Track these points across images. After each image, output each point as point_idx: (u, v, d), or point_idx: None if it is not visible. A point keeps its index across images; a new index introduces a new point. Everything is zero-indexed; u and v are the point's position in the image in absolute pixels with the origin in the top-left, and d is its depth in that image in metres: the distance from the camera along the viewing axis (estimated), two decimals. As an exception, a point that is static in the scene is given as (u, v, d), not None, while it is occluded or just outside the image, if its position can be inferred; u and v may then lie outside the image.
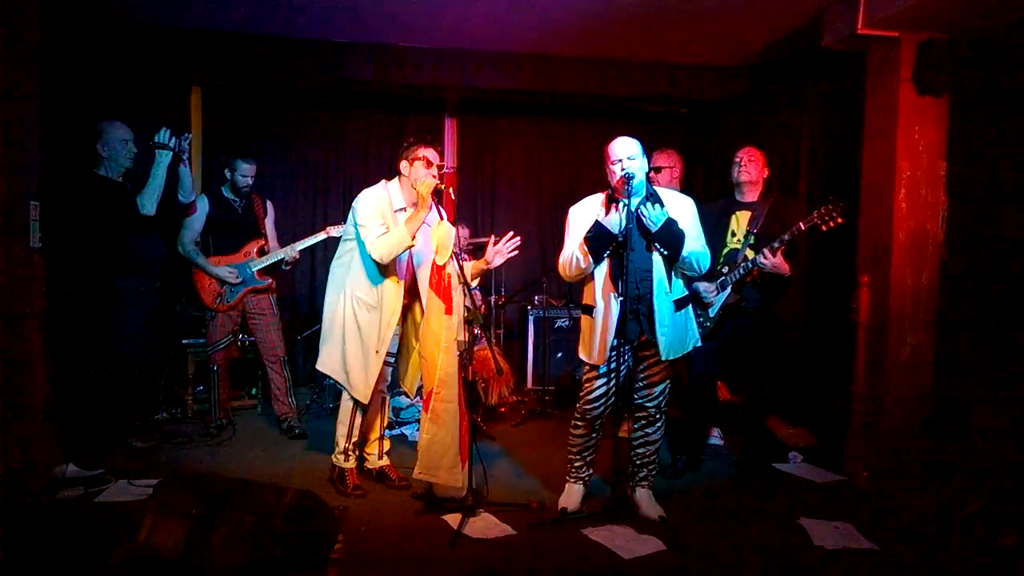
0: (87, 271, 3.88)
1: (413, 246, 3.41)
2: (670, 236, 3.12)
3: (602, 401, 3.30)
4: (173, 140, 4.03)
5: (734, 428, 4.47)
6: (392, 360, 3.70)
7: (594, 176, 4.25)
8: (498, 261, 3.47)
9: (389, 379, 3.76)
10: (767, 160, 4.04)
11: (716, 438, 4.51)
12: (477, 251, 5.15)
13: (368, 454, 3.78)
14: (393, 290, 3.50)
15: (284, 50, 4.81)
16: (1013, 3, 3.30)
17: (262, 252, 4.68)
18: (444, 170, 3.58)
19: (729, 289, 3.89)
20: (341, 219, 4.43)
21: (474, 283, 3.70)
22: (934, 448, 3.76)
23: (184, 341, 4.90)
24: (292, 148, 6.04)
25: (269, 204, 4.84)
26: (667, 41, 4.76)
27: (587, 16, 4.29)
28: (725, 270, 3.89)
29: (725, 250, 3.95)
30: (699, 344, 3.40)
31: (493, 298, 5.70)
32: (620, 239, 3.12)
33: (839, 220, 3.64)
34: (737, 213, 3.98)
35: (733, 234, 3.96)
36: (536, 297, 5.90)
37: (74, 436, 3.76)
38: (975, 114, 3.76)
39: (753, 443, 4.13)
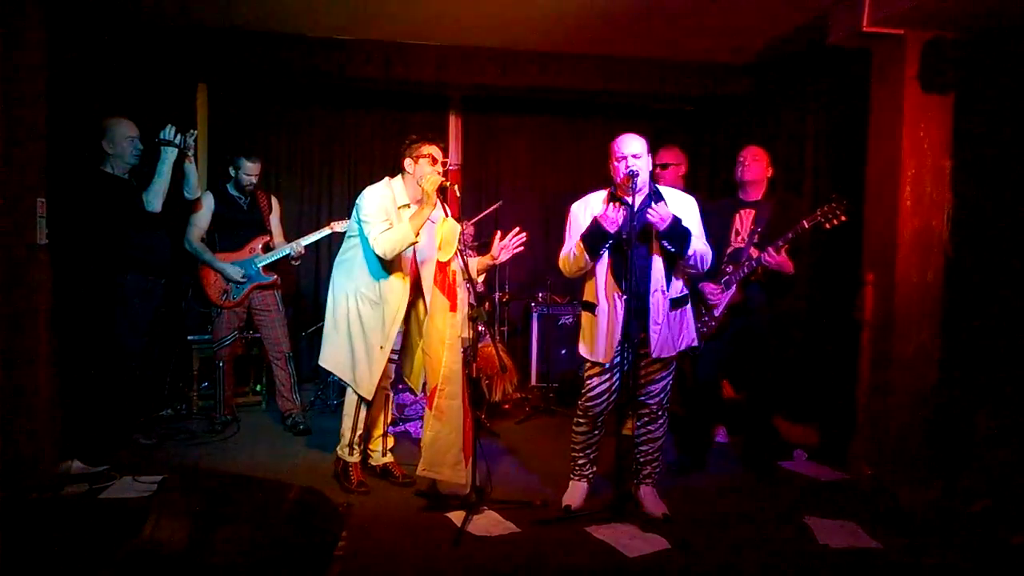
0: (93, 268, 3.90)
1: (417, 243, 3.41)
2: (677, 233, 3.12)
3: (604, 398, 3.30)
4: (179, 137, 4.03)
5: (739, 426, 4.47)
6: (396, 357, 3.71)
7: (597, 173, 4.23)
8: (504, 256, 3.47)
9: (393, 375, 3.77)
10: (771, 159, 4.03)
11: (721, 437, 4.51)
12: (482, 248, 5.14)
13: (372, 451, 3.79)
14: (398, 286, 3.51)
15: (289, 47, 4.82)
16: (1019, 0, 3.28)
17: (267, 248, 4.69)
18: (449, 167, 3.57)
19: (733, 288, 3.88)
20: (345, 215, 4.45)
21: (480, 279, 3.70)
22: (939, 446, 3.76)
23: (189, 337, 4.90)
24: (297, 144, 6.04)
25: (275, 199, 4.85)
26: (671, 39, 4.75)
27: (591, 13, 4.28)
28: (729, 269, 3.89)
29: (729, 249, 3.95)
30: (695, 345, 3.39)
31: (497, 295, 5.70)
32: (619, 237, 3.12)
33: (843, 218, 3.63)
34: (741, 212, 3.97)
35: (737, 233, 3.95)
36: (540, 294, 5.90)
37: (79, 432, 3.78)
38: (981, 112, 3.75)
39: (758, 441, 4.13)
